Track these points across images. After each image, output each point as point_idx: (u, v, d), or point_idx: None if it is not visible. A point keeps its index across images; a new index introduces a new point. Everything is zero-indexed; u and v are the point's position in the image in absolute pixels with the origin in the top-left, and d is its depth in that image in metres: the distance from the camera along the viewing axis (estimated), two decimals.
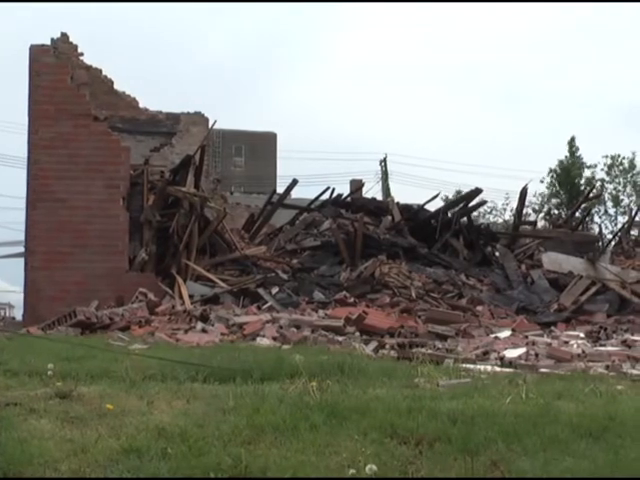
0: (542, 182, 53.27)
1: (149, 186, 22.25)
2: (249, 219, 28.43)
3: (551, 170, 53.19)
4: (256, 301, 20.17)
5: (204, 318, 17.91)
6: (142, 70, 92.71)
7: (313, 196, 30.11)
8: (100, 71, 26.73)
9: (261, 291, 20.67)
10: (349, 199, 29.92)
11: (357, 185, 37.99)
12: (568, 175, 52.54)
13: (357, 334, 16.52)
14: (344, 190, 33.39)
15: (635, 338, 16.93)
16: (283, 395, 8.04)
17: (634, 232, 37.63)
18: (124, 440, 6.35)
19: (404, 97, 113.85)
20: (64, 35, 23.63)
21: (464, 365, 12.09)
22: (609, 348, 15.40)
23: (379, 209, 28.46)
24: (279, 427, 6.69)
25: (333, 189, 29.67)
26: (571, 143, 53.94)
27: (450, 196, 52.35)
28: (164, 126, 29.65)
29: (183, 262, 21.61)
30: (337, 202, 28.93)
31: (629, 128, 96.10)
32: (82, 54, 24.40)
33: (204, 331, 16.73)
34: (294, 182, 28.99)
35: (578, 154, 53.79)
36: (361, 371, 10.05)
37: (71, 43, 23.79)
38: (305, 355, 10.46)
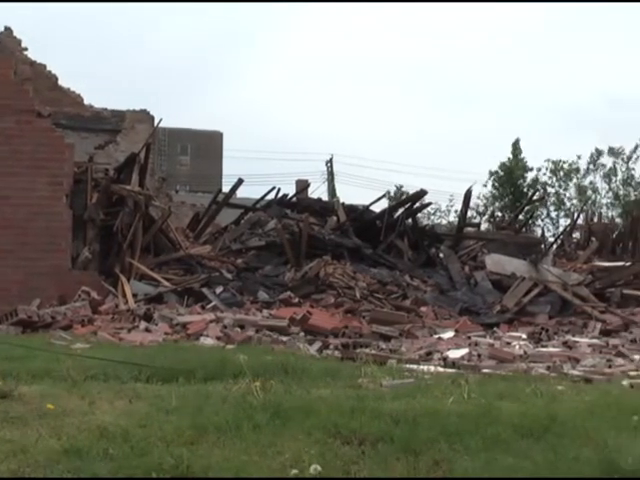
0: (485, 186, 53.82)
1: (93, 184, 22.02)
2: (194, 218, 28.31)
3: (492, 173, 53.74)
4: (200, 300, 20.07)
5: (148, 317, 17.80)
6: (87, 67, 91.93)
7: (259, 196, 30.10)
8: (44, 67, 26.46)
9: (205, 290, 20.57)
10: (294, 199, 29.95)
11: (303, 185, 38.08)
12: (511, 176, 53.11)
13: (301, 334, 16.53)
14: (290, 190, 33.45)
15: (576, 339, 17.16)
16: (226, 395, 8.02)
17: (576, 235, 38.14)
18: (65, 440, 6.29)
19: (352, 98, 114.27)
20: (8, 29, 23.34)
21: (407, 365, 12.17)
22: (550, 349, 15.59)
23: (324, 209, 28.52)
24: (222, 427, 6.67)
25: (279, 189, 29.71)
26: (515, 145, 54.52)
27: (392, 193, 52.63)
28: (109, 123, 29.43)
29: (127, 261, 21.43)
30: (282, 202, 28.93)
31: (573, 131, 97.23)
32: (26, 49, 24.14)
33: (147, 330, 16.62)
34: (239, 181, 28.95)
35: (522, 156, 54.38)
36: (305, 371, 10.06)
37: (15, 38, 23.52)
38: (249, 355, 10.44)
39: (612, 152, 56.34)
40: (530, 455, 6.18)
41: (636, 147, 55.98)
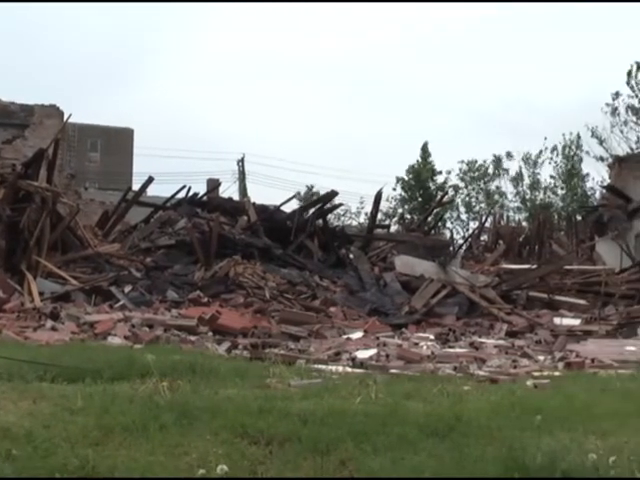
0: (394, 189, 54.38)
1: (0, 179, 21.66)
2: (103, 216, 27.99)
3: (398, 179, 54.33)
4: (108, 299, 19.84)
5: (54, 316, 17.52)
6: None
7: (169, 194, 29.93)
8: None
9: (113, 289, 20.35)
10: (205, 198, 29.88)
11: (214, 184, 37.98)
12: (419, 179, 53.74)
13: (210, 334, 16.45)
14: (200, 189, 33.34)
15: (482, 340, 17.43)
16: (133, 395, 7.95)
17: (484, 237, 38.80)
18: None
19: (264, 97, 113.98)
20: None
21: (316, 366, 12.22)
22: (457, 350, 15.80)
23: (235, 209, 28.50)
24: (128, 427, 6.61)
25: (189, 188, 29.62)
26: (424, 148, 55.17)
27: (302, 193, 52.81)
28: (17, 118, 28.95)
29: (33, 258, 21.08)
30: (193, 201, 28.83)
31: (481, 134, 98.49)
32: None
33: (54, 329, 16.35)
34: (150, 179, 28.75)
35: (431, 159, 55.08)
36: (213, 371, 10.01)
37: None
38: (157, 355, 10.35)
39: (510, 156, 57.50)
40: (436, 454, 6.26)
41: (540, 152, 57.17)
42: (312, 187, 57.25)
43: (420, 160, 54.76)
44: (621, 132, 52.25)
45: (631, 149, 49.88)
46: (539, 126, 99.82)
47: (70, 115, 25.68)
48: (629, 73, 51.66)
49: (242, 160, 58.00)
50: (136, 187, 31.36)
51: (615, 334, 19.34)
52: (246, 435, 6.56)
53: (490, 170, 57.58)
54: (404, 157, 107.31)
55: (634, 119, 52.28)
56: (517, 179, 57.26)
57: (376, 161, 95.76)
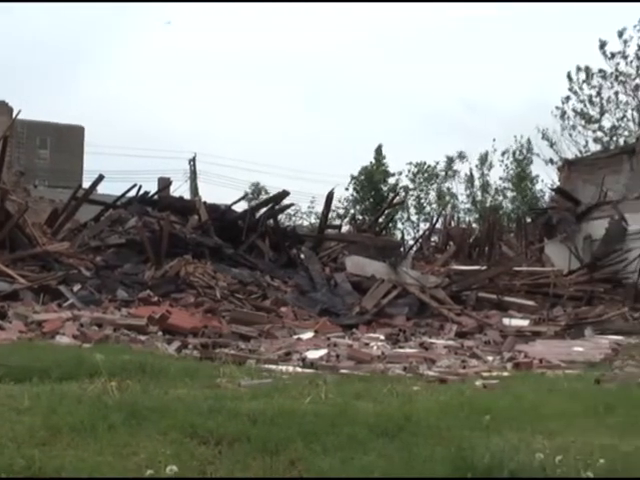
0: (347, 189, 54.47)
1: None
2: (52, 214, 27.73)
3: (353, 177, 54.47)
4: (57, 298, 19.65)
5: (1, 315, 17.32)
6: None
7: (120, 193, 29.75)
8: None
9: (62, 288, 20.16)
10: (156, 197, 29.71)
11: (165, 183, 37.75)
12: (372, 180, 53.91)
13: (160, 333, 16.35)
14: (151, 188, 33.17)
15: (432, 340, 17.53)
16: (81, 395, 7.88)
17: (435, 238, 38.99)
18: None
19: (218, 96, 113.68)
20: None
21: (266, 366, 12.22)
22: (407, 350, 15.87)
23: (186, 208, 28.38)
24: (76, 427, 6.55)
25: (140, 186, 29.44)
26: (378, 151, 55.34)
27: (250, 191, 52.74)
28: None
29: None
30: (144, 200, 28.66)
31: (433, 135, 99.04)
32: None
33: (1, 328, 16.16)
34: (100, 177, 28.55)
35: (384, 162, 55.28)
36: (163, 371, 9.96)
37: None
38: (106, 354, 10.27)
39: (461, 157, 57.91)
40: (385, 454, 6.27)
41: (487, 153, 57.66)
42: (258, 184, 57.31)
43: (374, 162, 54.93)
44: (570, 136, 52.89)
45: (580, 152, 50.48)
46: (491, 128, 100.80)
47: (19, 111, 25.47)
48: (569, 77, 52.33)
49: (194, 159, 57.91)
50: (86, 185, 31.21)
51: (563, 335, 19.58)
52: (195, 435, 6.53)
53: (440, 172, 57.95)
54: (357, 157, 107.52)
55: (582, 123, 52.91)
56: (469, 180, 57.69)
57: (328, 161, 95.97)
